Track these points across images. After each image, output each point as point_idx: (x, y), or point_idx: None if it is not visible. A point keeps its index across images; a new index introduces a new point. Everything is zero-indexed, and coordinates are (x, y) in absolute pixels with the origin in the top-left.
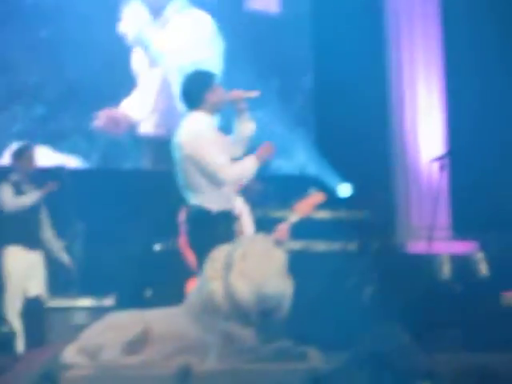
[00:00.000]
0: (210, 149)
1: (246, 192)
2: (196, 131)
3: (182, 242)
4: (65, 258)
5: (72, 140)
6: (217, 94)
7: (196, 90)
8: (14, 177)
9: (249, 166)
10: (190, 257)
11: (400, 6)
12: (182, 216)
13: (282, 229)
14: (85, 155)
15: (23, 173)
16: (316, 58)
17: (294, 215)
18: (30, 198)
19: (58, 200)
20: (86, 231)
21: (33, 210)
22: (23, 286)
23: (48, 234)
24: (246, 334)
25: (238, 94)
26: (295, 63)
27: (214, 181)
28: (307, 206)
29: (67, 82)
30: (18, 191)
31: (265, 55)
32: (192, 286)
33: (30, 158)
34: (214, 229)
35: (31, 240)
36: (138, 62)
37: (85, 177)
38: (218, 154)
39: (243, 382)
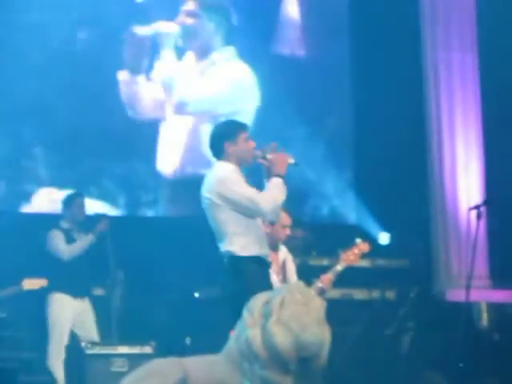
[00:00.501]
0: (238, 183)
1: (290, 240)
2: (220, 175)
3: None
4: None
5: (99, 184)
6: (240, 146)
7: (216, 139)
8: (64, 224)
9: (277, 186)
10: None
11: (439, 58)
12: None
13: (327, 278)
14: (112, 201)
15: (73, 220)
16: (353, 101)
17: (341, 264)
18: (85, 242)
19: (99, 248)
20: (125, 279)
21: (82, 257)
22: (68, 333)
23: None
24: (285, 382)
25: (273, 156)
26: (331, 106)
27: (252, 213)
28: (354, 255)
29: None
30: (69, 239)
31: (296, 99)
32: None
33: (81, 206)
34: (248, 275)
35: (80, 287)
36: (158, 108)
37: (122, 224)
38: (247, 187)
39: None
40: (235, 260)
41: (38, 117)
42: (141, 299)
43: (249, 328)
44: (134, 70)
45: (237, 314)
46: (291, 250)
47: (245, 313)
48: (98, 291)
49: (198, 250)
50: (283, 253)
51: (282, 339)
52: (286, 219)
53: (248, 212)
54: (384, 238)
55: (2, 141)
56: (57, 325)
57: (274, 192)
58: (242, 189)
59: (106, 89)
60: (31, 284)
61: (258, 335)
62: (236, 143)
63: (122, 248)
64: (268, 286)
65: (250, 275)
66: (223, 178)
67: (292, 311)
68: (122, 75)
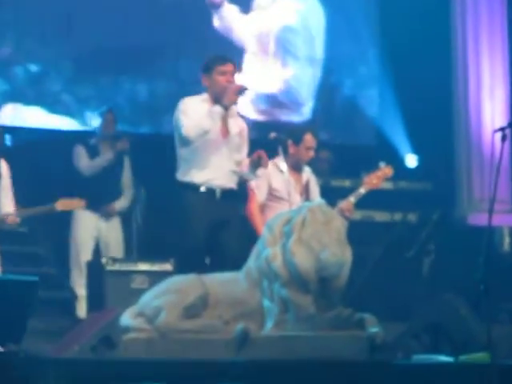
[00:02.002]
0: (182, 111)
1: (314, 161)
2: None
3: (249, 208)
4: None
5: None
6: (214, 80)
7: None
8: (92, 140)
9: (211, 114)
10: (257, 223)
11: None
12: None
13: (349, 201)
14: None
15: (102, 136)
16: (381, 28)
17: (363, 188)
18: (103, 159)
19: (120, 166)
20: (147, 197)
21: (111, 174)
22: (89, 249)
23: (125, 195)
24: (304, 301)
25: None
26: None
27: (179, 137)
28: (377, 179)
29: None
30: (94, 155)
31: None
32: None
33: (110, 121)
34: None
35: (101, 203)
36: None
37: (144, 142)
38: (187, 115)
39: (301, 349)
40: (177, 184)
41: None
42: (161, 217)
43: (269, 247)
44: None
45: None
46: (315, 171)
47: (265, 231)
48: (123, 206)
49: None
50: (306, 174)
51: (303, 258)
52: (310, 141)
53: (177, 136)
54: (411, 160)
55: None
56: (78, 241)
57: (203, 120)
58: (179, 115)
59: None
60: (65, 205)
61: (278, 254)
62: (210, 76)
63: (144, 167)
64: (197, 216)
65: (182, 201)
66: (178, 104)
67: (313, 230)
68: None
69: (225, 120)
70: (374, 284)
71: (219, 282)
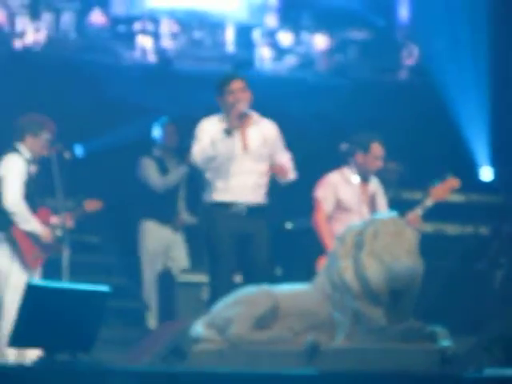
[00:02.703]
0: (195, 136)
1: (383, 172)
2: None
3: (316, 219)
4: None
5: None
6: (225, 99)
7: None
8: (157, 152)
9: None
10: (323, 235)
11: None
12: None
13: (416, 213)
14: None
15: (164, 148)
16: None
17: (429, 200)
18: (178, 174)
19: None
20: None
21: (177, 187)
22: (160, 261)
23: (181, 208)
24: (376, 314)
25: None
26: None
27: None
28: (443, 191)
29: None
30: (162, 168)
31: None
32: (322, 265)
33: (173, 133)
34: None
35: (170, 215)
36: None
37: None
38: (198, 140)
39: (371, 362)
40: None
41: None
42: None
43: (341, 259)
44: None
45: None
46: (384, 182)
47: (337, 243)
48: (189, 220)
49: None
50: (374, 184)
51: (374, 271)
52: (378, 150)
53: None
54: (487, 174)
55: None
56: (149, 252)
57: (207, 146)
58: (194, 139)
59: None
60: (90, 205)
61: (349, 266)
62: (221, 97)
63: None
64: (225, 235)
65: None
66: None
67: (385, 242)
68: None
69: (243, 133)
70: (446, 297)
71: (290, 293)
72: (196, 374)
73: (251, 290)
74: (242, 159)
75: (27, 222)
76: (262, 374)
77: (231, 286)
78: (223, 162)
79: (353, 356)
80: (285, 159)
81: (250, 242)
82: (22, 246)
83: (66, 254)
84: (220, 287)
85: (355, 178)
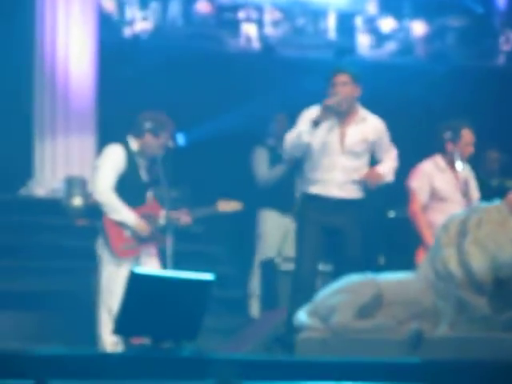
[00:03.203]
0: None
1: (484, 162)
2: None
3: (412, 210)
4: None
5: None
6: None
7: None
8: (270, 141)
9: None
10: (420, 225)
11: None
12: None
13: None
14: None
15: (277, 137)
16: None
17: None
18: (280, 168)
19: None
20: None
21: (290, 174)
22: (275, 250)
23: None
24: (479, 303)
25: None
26: None
27: None
28: None
29: None
30: (274, 157)
31: None
32: (422, 254)
33: (284, 122)
34: None
35: (286, 204)
36: None
37: None
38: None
39: (474, 351)
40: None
41: None
42: None
43: (444, 247)
44: None
45: None
46: (485, 172)
47: (440, 232)
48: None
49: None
50: (465, 171)
51: (478, 259)
52: (468, 136)
53: None
54: None
55: None
56: (267, 241)
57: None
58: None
59: None
60: (225, 206)
61: (453, 255)
62: (328, 88)
63: None
64: (310, 226)
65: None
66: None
67: (489, 231)
68: None
69: (342, 130)
70: None
71: (393, 281)
72: (299, 363)
73: (355, 278)
74: (337, 155)
75: (116, 212)
76: (365, 362)
77: (312, 275)
78: (318, 156)
79: (456, 345)
80: (387, 159)
81: (340, 237)
82: (110, 235)
83: (169, 243)
84: (300, 276)
85: (459, 165)
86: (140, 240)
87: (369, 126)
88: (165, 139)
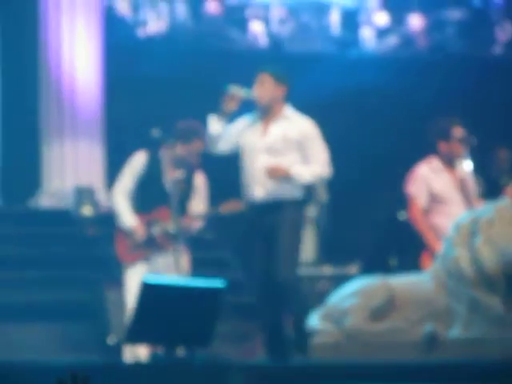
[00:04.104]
0: None
1: (494, 161)
2: None
3: (412, 215)
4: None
5: None
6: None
7: None
8: None
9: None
10: (422, 229)
11: None
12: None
13: None
14: None
15: None
16: None
17: None
18: None
19: None
20: (331, 199)
21: None
22: None
23: None
24: (492, 302)
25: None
26: None
27: None
28: None
29: None
30: None
31: None
32: (426, 258)
33: None
34: None
35: None
36: None
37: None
38: None
39: (490, 351)
40: None
41: None
42: (345, 220)
43: (456, 247)
44: None
45: None
46: (496, 170)
47: (452, 231)
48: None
49: (398, 172)
50: (461, 169)
51: (490, 258)
52: (459, 133)
53: None
54: None
55: None
56: None
57: None
58: None
59: None
60: (226, 207)
61: (465, 254)
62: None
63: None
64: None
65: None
66: None
67: (500, 229)
68: None
69: (264, 127)
70: None
71: (405, 283)
72: (313, 366)
73: (367, 281)
74: (259, 153)
75: (118, 215)
76: (379, 364)
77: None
78: (243, 155)
79: (471, 345)
80: (313, 162)
81: (271, 240)
82: (116, 239)
83: (184, 248)
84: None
85: (468, 164)
86: (141, 245)
87: (291, 125)
88: (197, 147)
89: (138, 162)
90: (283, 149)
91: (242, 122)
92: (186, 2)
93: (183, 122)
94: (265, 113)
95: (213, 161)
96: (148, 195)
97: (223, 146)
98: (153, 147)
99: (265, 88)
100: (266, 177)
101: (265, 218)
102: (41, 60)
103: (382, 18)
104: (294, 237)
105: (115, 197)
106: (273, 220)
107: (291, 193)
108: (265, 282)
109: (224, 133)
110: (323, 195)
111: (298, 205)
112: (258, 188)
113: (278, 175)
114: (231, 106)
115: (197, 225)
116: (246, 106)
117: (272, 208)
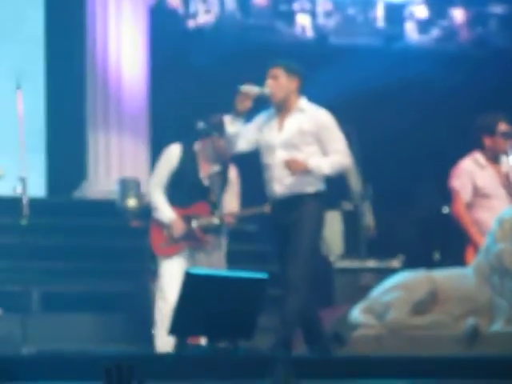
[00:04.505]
0: None
1: None
2: None
3: (455, 210)
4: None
5: None
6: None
7: None
8: None
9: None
10: (466, 224)
11: None
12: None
13: None
14: None
15: None
16: None
17: None
18: None
19: None
20: (373, 193)
21: None
22: (326, 247)
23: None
24: None
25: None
26: None
27: None
28: None
29: None
30: None
31: None
32: (471, 252)
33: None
34: None
35: (334, 202)
36: None
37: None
38: None
39: None
40: None
41: None
42: (388, 213)
43: (499, 242)
44: None
45: None
46: None
47: (495, 226)
48: (347, 205)
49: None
50: (506, 165)
51: None
52: (505, 128)
53: None
54: None
55: None
56: None
57: None
58: None
59: None
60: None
61: (508, 249)
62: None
63: (371, 161)
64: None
65: None
66: None
67: None
68: None
69: (280, 122)
70: None
71: (448, 277)
72: (355, 360)
73: (409, 274)
74: (276, 148)
75: (155, 209)
76: (421, 358)
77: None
78: (262, 152)
79: None
80: (331, 153)
81: (291, 234)
82: (151, 233)
83: (224, 243)
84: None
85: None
86: (178, 239)
87: (306, 117)
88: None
89: (172, 155)
90: (300, 143)
91: (259, 119)
92: None
93: (219, 115)
94: (280, 108)
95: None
96: (181, 188)
97: (242, 145)
98: (187, 140)
99: (278, 82)
100: (286, 172)
101: (284, 213)
102: (87, 53)
103: (425, 12)
104: (314, 231)
105: (152, 190)
106: (292, 215)
107: (312, 186)
108: (286, 277)
109: (242, 132)
110: (358, 186)
111: (318, 198)
112: (277, 184)
113: (297, 169)
114: (245, 104)
115: (232, 222)
116: (263, 104)
117: (290, 203)
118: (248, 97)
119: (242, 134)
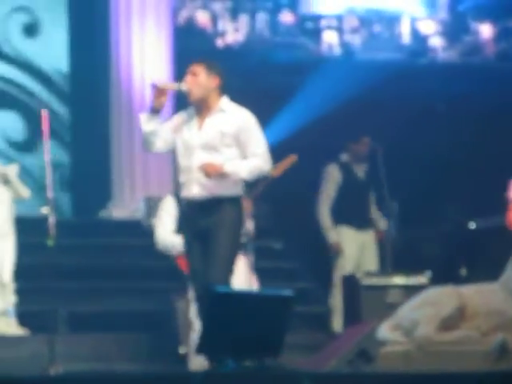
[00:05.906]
0: None
1: None
2: None
3: (510, 219)
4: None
5: None
6: None
7: None
8: (344, 157)
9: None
10: None
11: None
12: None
13: None
14: None
15: (354, 155)
16: None
17: None
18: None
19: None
20: (400, 210)
21: (364, 191)
22: (352, 265)
23: (376, 213)
24: None
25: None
26: None
27: None
28: None
29: None
30: (347, 172)
31: None
32: None
33: (366, 144)
34: None
35: (363, 219)
36: None
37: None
38: None
39: None
40: None
41: None
42: (414, 230)
43: None
44: None
45: None
46: None
47: None
48: (382, 223)
49: (478, 180)
50: None
51: None
52: None
53: None
54: None
55: None
56: (345, 257)
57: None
58: None
59: None
60: (281, 166)
61: None
62: None
63: (396, 179)
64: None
65: None
66: None
67: None
68: None
69: (199, 122)
70: None
71: (476, 292)
72: (383, 376)
73: (437, 290)
74: (195, 149)
75: None
76: (449, 374)
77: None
78: (180, 152)
79: None
80: (250, 156)
81: (209, 239)
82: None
83: (250, 260)
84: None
85: None
86: None
87: (228, 118)
88: None
89: None
90: (219, 144)
91: (178, 118)
92: (264, 13)
93: None
94: (200, 107)
95: None
96: None
97: (160, 145)
98: None
99: (197, 79)
100: (202, 176)
101: (202, 216)
102: (112, 71)
103: (455, 28)
104: (231, 237)
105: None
106: (210, 219)
107: (230, 190)
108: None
109: (159, 131)
110: (394, 205)
111: (236, 202)
112: (197, 186)
113: (212, 174)
114: (161, 101)
115: (249, 206)
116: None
117: (209, 206)
118: (163, 93)
119: (159, 132)
